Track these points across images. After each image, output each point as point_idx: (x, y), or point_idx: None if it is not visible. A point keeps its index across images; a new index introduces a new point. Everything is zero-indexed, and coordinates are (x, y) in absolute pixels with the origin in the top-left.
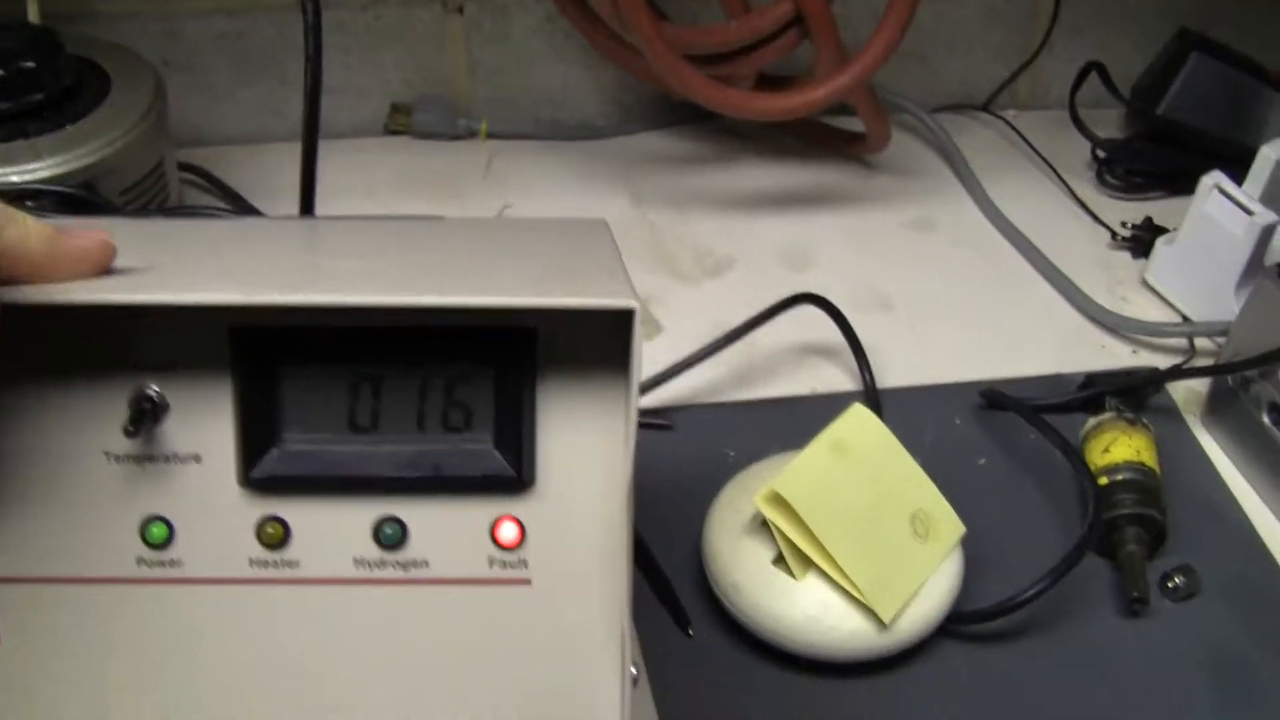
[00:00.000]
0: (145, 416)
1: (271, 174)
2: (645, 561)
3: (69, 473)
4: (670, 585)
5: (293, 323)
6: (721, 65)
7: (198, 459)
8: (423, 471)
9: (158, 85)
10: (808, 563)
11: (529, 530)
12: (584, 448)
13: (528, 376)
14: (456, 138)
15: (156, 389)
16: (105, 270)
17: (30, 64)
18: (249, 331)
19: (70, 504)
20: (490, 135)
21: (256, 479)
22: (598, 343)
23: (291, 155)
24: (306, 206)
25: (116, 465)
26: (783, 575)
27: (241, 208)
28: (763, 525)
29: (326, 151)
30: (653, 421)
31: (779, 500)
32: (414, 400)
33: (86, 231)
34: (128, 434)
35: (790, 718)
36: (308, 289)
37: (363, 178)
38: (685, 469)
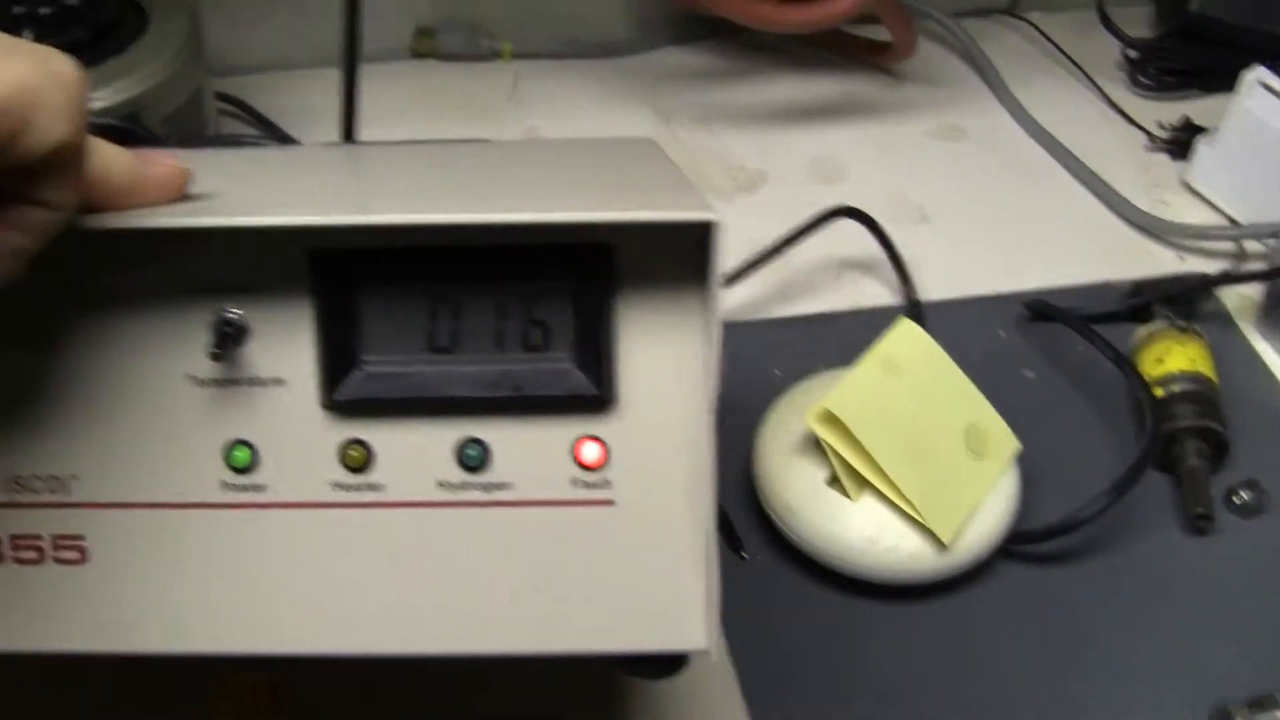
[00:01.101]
0: (228, 339)
1: (301, 100)
2: None
3: (153, 398)
4: (723, 508)
5: (371, 244)
6: None
7: (280, 382)
8: (504, 391)
9: (193, 17)
10: (863, 482)
11: (612, 450)
12: (664, 365)
13: (606, 293)
14: (481, 59)
15: (238, 312)
16: (182, 196)
17: (73, 2)
18: (328, 254)
19: (155, 429)
20: (515, 55)
21: (339, 401)
22: (675, 258)
23: (319, 81)
24: (348, 132)
25: (200, 389)
26: (837, 496)
27: (276, 135)
28: (815, 445)
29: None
30: None
31: (831, 418)
32: (493, 319)
33: (164, 158)
34: (213, 357)
35: (848, 641)
36: (387, 210)
37: (391, 102)
38: (729, 388)
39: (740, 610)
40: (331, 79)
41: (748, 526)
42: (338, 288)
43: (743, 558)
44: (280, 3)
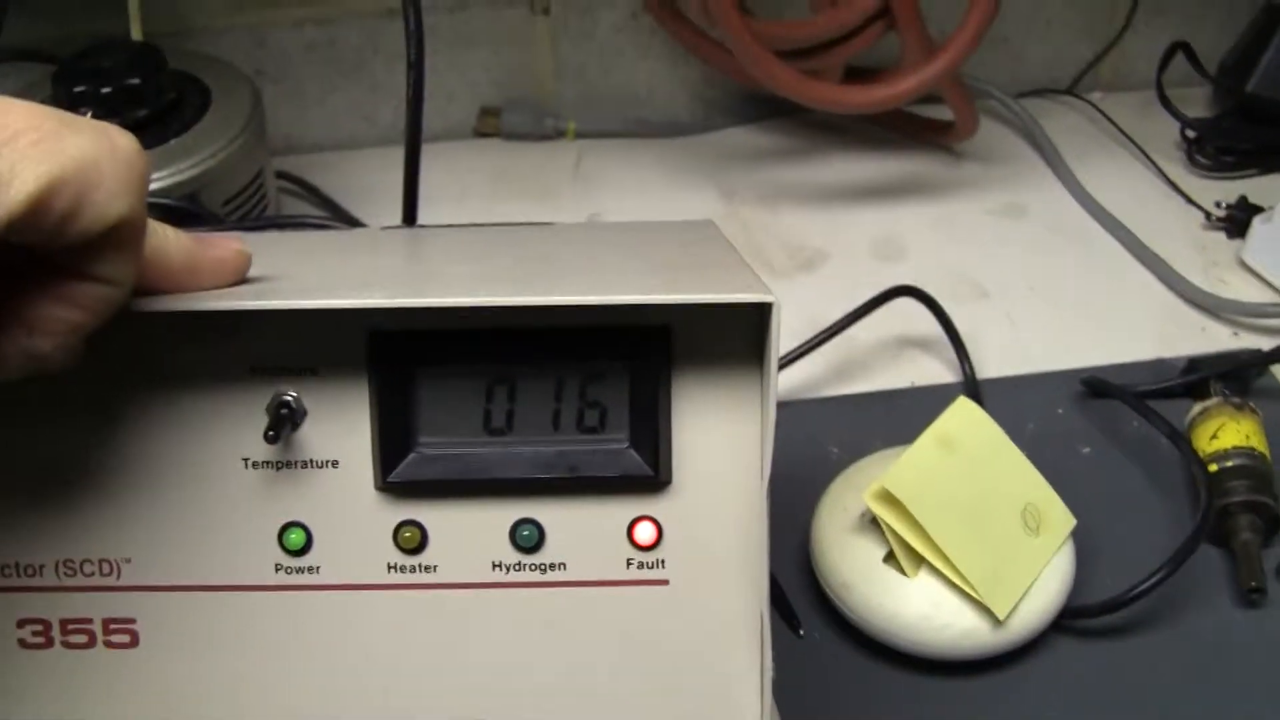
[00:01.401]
0: (284, 422)
1: (365, 180)
2: None
3: (209, 480)
4: (779, 584)
5: (428, 326)
6: (808, 59)
7: (335, 464)
8: (559, 472)
9: (255, 96)
10: (919, 560)
11: (666, 530)
12: (719, 445)
13: (662, 374)
14: (545, 138)
15: (294, 395)
16: (241, 279)
17: (135, 80)
18: (386, 336)
19: (210, 511)
20: (578, 135)
21: (394, 483)
22: (731, 338)
23: (383, 161)
24: (410, 215)
25: (255, 472)
26: (894, 573)
27: (338, 214)
28: (872, 522)
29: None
30: None
31: (889, 497)
32: (549, 401)
33: (224, 241)
34: (268, 439)
35: (903, 717)
36: (447, 292)
37: (454, 181)
38: (788, 466)
39: (796, 687)
40: (395, 158)
41: (805, 603)
42: (395, 369)
43: (799, 635)
44: (344, 81)
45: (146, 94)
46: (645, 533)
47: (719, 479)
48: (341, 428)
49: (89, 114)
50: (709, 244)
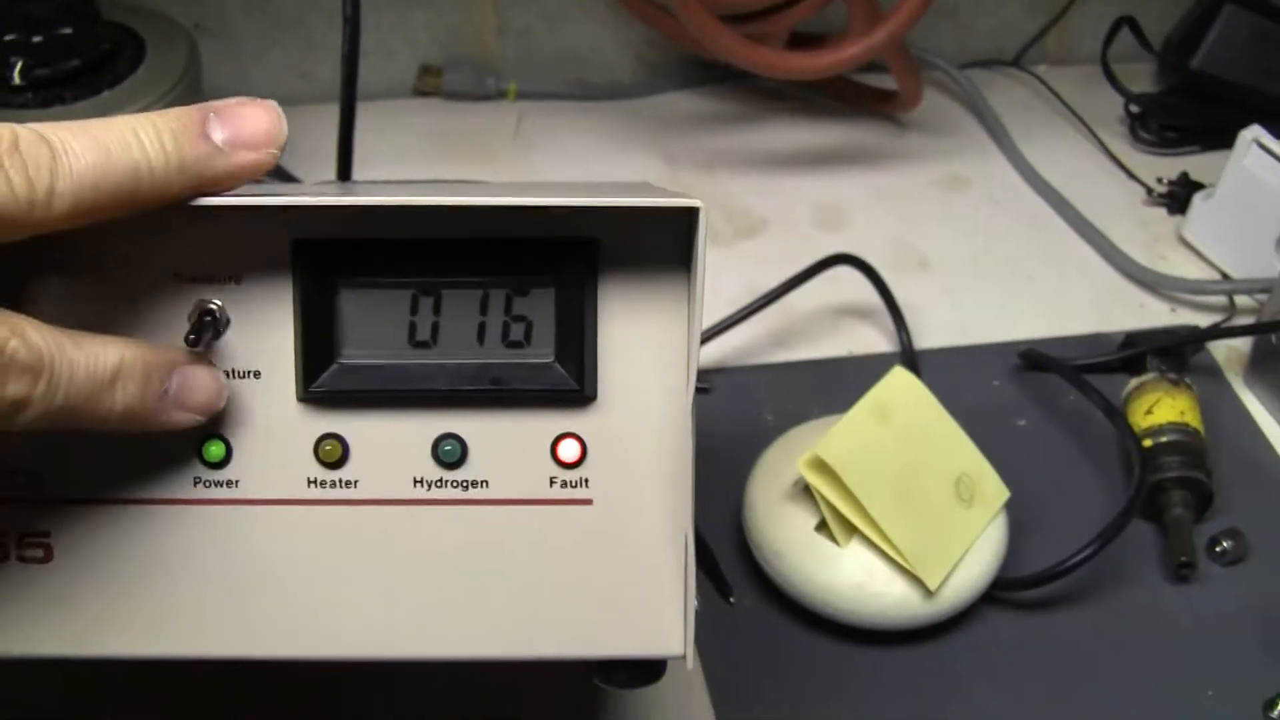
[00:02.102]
0: (207, 329)
1: (303, 137)
2: None
3: None
4: (711, 552)
5: (355, 235)
6: (753, 23)
7: (257, 375)
8: (482, 385)
9: (192, 49)
10: (851, 529)
11: (590, 448)
12: (646, 361)
13: (590, 289)
14: (486, 99)
15: (219, 303)
16: None
17: (67, 30)
18: (311, 244)
19: None
20: (519, 96)
21: (316, 394)
22: (659, 254)
23: (321, 118)
24: (344, 172)
25: None
26: (826, 542)
27: (275, 172)
28: (805, 491)
29: (357, 114)
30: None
31: (822, 465)
32: (474, 314)
33: None
34: (189, 344)
35: (834, 686)
36: (373, 196)
37: (393, 140)
38: (723, 432)
39: (728, 655)
40: (334, 116)
41: (737, 571)
42: (320, 279)
43: (730, 602)
44: (283, 37)
45: (79, 44)
46: (569, 450)
47: (645, 396)
48: (264, 337)
49: (19, 64)
50: (644, 186)
